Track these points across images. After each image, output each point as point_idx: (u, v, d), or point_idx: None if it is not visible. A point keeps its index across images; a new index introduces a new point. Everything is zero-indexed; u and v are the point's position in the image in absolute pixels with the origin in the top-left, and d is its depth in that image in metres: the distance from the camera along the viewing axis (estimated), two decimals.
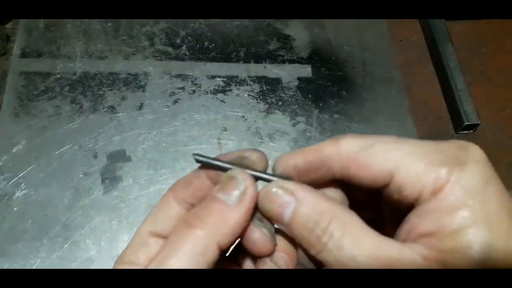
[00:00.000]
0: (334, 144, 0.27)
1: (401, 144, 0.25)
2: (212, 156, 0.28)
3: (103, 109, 0.63)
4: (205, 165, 0.28)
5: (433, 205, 0.23)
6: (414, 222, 0.24)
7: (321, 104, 0.66)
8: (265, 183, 0.28)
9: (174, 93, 0.65)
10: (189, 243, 0.24)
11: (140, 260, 0.26)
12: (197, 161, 0.28)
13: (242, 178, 0.26)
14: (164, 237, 0.27)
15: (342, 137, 0.27)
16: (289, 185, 0.27)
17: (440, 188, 0.23)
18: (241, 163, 0.28)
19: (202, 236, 0.24)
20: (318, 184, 0.28)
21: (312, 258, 0.25)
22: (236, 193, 0.25)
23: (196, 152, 0.27)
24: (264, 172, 0.28)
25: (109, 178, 0.58)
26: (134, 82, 0.66)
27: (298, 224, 0.25)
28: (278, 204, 0.26)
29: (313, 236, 0.24)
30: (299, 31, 0.72)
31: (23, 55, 0.67)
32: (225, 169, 0.27)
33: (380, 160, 0.25)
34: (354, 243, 0.23)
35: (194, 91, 0.66)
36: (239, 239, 0.27)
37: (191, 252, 0.23)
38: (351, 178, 0.26)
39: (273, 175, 0.28)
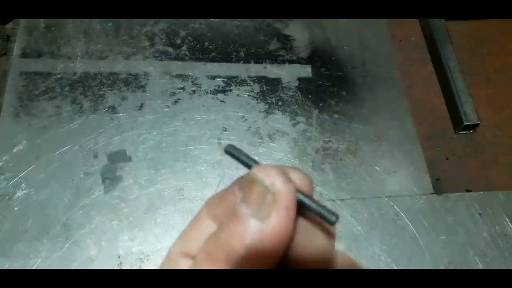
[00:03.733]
0: None
1: None
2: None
3: (104, 109, 0.63)
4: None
5: None
6: None
7: (321, 104, 0.66)
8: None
9: (174, 93, 0.65)
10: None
11: None
12: (227, 152, 0.23)
13: (267, 180, 0.19)
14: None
15: None
16: None
17: None
18: None
19: (227, 264, 0.19)
20: None
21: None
22: (260, 202, 0.19)
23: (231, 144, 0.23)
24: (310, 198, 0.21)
25: (110, 178, 0.58)
26: (135, 82, 0.66)
27: None
28: None
29: None
30: (299, 31, 0.72)
31: (24, 55, 0.67)
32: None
33: None
34: None
35: (194, 91, 0.66)
36: None
37: None
38: None
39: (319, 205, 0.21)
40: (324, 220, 0.21)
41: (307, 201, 0.21)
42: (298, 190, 0.21)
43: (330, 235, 0.22)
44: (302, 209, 0.21)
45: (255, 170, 0.20)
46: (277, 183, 0.19)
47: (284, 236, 0.19)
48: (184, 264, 0.23)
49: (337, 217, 0.21)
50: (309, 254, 0.21)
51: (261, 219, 0.19)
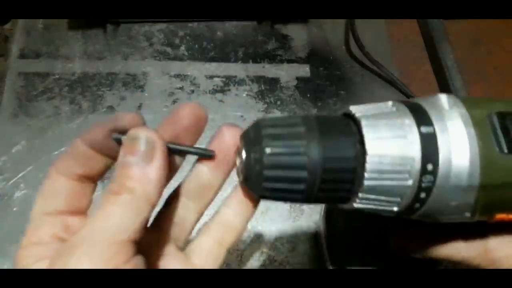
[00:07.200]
0: None
1: None
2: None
3: (102, 109, 0.63)
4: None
5: None
6: None
7: (319, 104, 0.66)
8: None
9: (173, 93, 0.65)
10: (121, 206, 0.23)
11: (46, 238, 0.25)
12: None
13: (144, 134, 0.25)
14: (61, 213, 0.26)
15: None
16: None
17: None
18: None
19: (131, 198, 0.24)
20: None
21: None
22: (144, 151, 0.24)
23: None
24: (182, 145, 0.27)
25: (109, 178, 0.58)
26: (133, 82, 0.66)
27: None
28: None
29: None
30: (297, 31, 0.73)
31: (22, 55, 0.67)
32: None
33: None
34: None
35: (193, 91, 0.66)
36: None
37: (124, 213, 0.23)
38: None
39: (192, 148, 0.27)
40: (203, 156, 0.28)
41: (184, 148, 0.27)
42: (173, 142, 0.27)
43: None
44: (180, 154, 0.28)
45: (135, 131, 0.25)
46: (152, 136, 0.24)
47: (164, 175, 0.25)
48: (52, 220, 0.26)
49: (213, 151, 0.27)
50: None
51: (148, 162, 0.24)
